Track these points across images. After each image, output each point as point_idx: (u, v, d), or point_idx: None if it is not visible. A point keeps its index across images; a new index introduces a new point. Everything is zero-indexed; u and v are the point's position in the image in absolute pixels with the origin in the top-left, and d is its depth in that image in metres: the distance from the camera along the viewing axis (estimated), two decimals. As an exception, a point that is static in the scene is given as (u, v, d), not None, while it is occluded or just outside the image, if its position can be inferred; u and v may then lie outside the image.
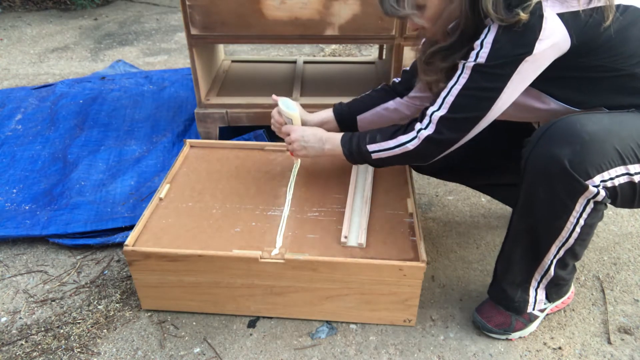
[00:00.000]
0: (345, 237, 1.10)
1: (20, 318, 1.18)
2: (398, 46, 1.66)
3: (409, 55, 1.68)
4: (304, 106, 1.79)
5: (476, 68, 0.88)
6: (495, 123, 1.09)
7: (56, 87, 2.33)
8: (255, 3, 1.55)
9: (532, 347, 1.09)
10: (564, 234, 0.92)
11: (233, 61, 2.20)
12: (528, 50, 0.83)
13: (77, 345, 1.11)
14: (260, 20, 1.58)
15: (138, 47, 3.00)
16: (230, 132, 1.85)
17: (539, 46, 0.83)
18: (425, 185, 1.67)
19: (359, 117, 1.24)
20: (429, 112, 0.96)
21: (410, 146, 0.99)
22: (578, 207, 0.87)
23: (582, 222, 0.90)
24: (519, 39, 0.84)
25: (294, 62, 2.20)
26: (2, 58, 2.82)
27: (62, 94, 2.25)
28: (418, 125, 0.98)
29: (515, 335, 1.10)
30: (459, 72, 0.91)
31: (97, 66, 2.71)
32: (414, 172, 1.35)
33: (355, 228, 1.13)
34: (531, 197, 0.92)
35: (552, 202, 0.89)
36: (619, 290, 1.25)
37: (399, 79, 1.24)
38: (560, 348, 1.09)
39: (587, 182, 0.84)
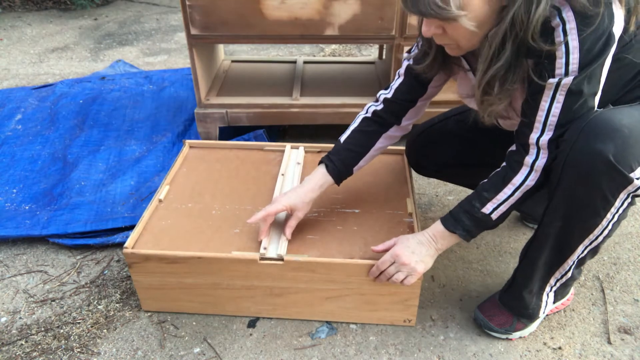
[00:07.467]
0: (265, 249, 1.07)
1: (20, 318, 1.18)
2: (398, 46, 1.66)
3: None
4: (304, 105, 1.80)
5: (574, 81, 0.80)
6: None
7: (56, 87, 2.33)
8: (255, 3, 1.55)
9: (532, 347, 1.09)
10: (596, 231, 0.90)
11: (233, 61, 2.20)
12: (611, 40, 0.78)
13: (77, 345, 1.11)
14: (260, 20, 1.58)
15: (138, 47, 3.00)
16: (230, 132, 1.85)
17: (615, 31, 0.78)
18: (425, 185, 1.67)
19: (354, 169, 1.14)
20: (531, 140, 0.88)
21: (531, 182, 0.91)
22: (618, 202, 0.86)
23: (616, 217, 0.88)
24: (603, 32, 0.77)
25: (294, 62, 2.20)
26: (2, 58, 2.82)
27: (62, 94, 2.25)
28: (527, 159, 0.90)
29: (515, 335, 1.10)
30: (550, 91, 0.83)
31: (97, 66, 2.71)
32: (413, 172, 1.35)
33: (275, 238, 1.10)
34: (569, 197, 0.88)
35: (593, 199, 0.86)
36: (619, 290, 1.25)
37: (381, 105, 1.11)
38: (560, 348, 1.09)
39: (630, 175, 0.82)
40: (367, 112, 1.13)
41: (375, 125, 1.12)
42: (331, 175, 1.11)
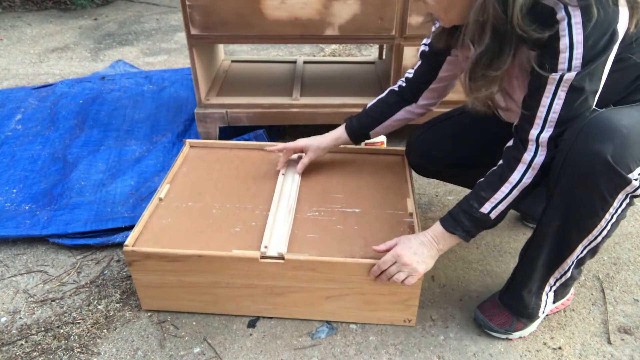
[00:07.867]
0: (265, 247, 1.07)
1: (20, 318, 1.18)
2: (398, 46, 1.66)
3: (409, 54, 1.69)
4: (304, 105, 1.81)
5: (576, 77, 0.80)
6: (499, 122, 1.09)
7: (56, 87, 2.33)
8: (255, 3, 1.55)
9: (532, 347, 1.09)
10: (595, 232, 0.90)
11: (233, 61, 2.20)
12: (615, 36, 0.77)
13: (77, 345, 1.11)
14: (260, 20, 1.58)
15: (138, 47, 3.00)
16: (230, 132, 1.85)
17: (619, 29, 0.77)
18: (425, 185, 1.67)
19: (371, 132, 1.26)
20: (531, 136, 0.88)
21: (528, 180, 0.91)
22: (616, 202, 0.86)
23: (614, 218, 0.88)
24: (607, 28, 0.76)
25: (294, 62, 2.20)
26: (2, 58, 2.82)
27: (62, 94, 2.25)
28: (525, 155, 0.90)
29: (515, 335, 1.10)
30: (552, 86, 0.83)
31: (97, 66, 2.71)
32: (413, 172, 1.35)
33: (276, 237, 1.10)
34: (567, 197, 0.88)
35: (592, 199, 0.86)
36: (619, 290, 1.25)
37: (404, 82, 1.21)
38: (560, 348, 1.09)
39: (629, 176, 0.82)
40: (395, 85, 1.24)
41: (397, 98, 1.23)
42: (347, 133, 1.26)
